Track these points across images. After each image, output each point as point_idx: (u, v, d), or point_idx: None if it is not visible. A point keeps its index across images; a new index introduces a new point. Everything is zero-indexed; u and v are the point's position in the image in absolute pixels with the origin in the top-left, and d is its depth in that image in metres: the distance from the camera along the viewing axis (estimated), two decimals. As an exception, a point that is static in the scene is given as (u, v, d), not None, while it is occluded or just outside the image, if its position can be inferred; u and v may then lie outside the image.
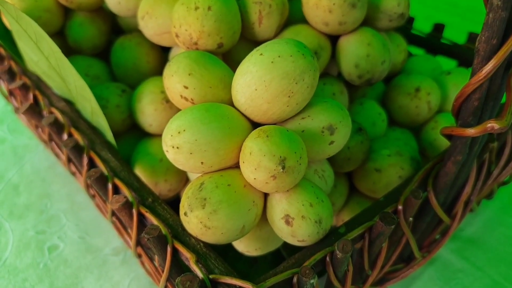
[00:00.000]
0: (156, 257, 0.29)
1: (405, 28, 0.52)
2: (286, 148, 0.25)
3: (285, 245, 0.32)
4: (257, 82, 0.26)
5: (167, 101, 0.36)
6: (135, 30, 0.43)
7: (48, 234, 0.46)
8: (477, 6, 0.82)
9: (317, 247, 0.28)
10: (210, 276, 0.26)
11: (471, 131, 0.27)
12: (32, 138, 0.57)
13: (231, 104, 0.29)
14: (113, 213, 0.35)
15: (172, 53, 0.38)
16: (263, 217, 0.29)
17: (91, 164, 0.34)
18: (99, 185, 0.31)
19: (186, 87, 0.29)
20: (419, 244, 0.37)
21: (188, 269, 0.27)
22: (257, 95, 0.26)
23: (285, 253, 0.37)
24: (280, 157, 0.25)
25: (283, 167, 0.25)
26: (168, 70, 0.30)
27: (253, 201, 0.27)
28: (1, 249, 0.44)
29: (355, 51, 0.34)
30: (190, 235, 0.28)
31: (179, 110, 0.31)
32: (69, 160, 0.39)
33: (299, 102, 0.27)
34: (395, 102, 0.40)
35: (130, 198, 0.30)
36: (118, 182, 0.31)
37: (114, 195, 0.30)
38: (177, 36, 0.32)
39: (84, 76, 0.41)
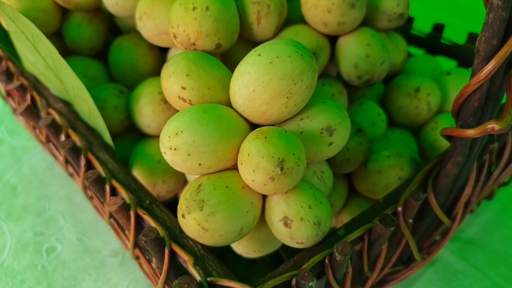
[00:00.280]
0: (154, 259, 0.28)
1: (405, 28, 0.52)
2: (285, 149, 0.25)
3: (284, 246, 0.31)
4: (255, 83, 0.26)
5: (165, 102, 0.36)
6: (133, 30, 0.42)
7: (46, 236, 0.46)
8: (477, 6, 0.81)
9: (316, 249, 0.27)
10: (208, 279, 0.25)
11: (471, 132, 0.26)
12: (30, 139, 0.57)
13: (229, 105, 0.29)
14: (111, 215, 0.35)
15: (170, 54, 0.38)
16: (262, 219, 0.29)
17: (89, 166, 0.34)
18: (96, 186, 0.31)
19: (184, 88, 0.29)
20: (419, 245, 0.37)
21: (186, 272, 0.27)
22: (255, 96, 0.26)
23: (284, 254, 0.37)
24: (279, 158, 0.24)
25: (282, 169, 0.24)
26: (165, 71, 0.29)
27: (252, 203, 0.27)
28: (-2, 251, 0.44)
29: (354, 52, 0.34)
30: (188, 237, 0.28)
31: (177, 111, 0.31)
32: (67, 162, 0.39)
33: (298, 103, 0.26)
34: (394, 102, 0.40)
35: (127, 200, 0.30)
36: (115, 184, 0.31)
37: (111, 197, 0.30)
38: (175, 36, 0.32)
39: (82, 77, 0.41)
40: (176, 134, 0.26)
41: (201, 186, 0.26)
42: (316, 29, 0.34)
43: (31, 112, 0.38)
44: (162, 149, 0.27)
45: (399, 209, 0.30)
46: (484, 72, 0.24)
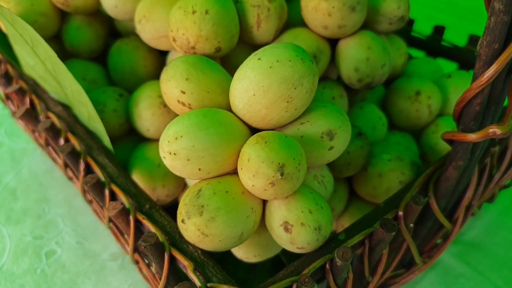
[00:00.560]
0: (153, 264, 0.28)
1: (405, 30, 0.52)
2: (285, 154, 0.24)
3: (284, 251, 0.31)
4: (255, 87, 0.26)
5: (165, 105, 0.36)
6: (132, 33, 0.42)
7: (45, 239, 0.45)
8: (476, 6, 0.81)
9: (317, 254, 0.27)
10: (208, 285, 0.25)
11: (472, 137, 0.26)
12: (29, 142, 0.57)
13: (229, 109, 0.28)
14: (110, 219, 0.34)
15: (170, 57, 0.37)
16: (262, 224, 0.28)
17: (88, 170, 0.34)
18: (96, 191, 0.31)
19: (183, 92, 0.28)
20: (420, 249, 0.36)
21: (186, 277, 0.27)
22: (255, 101, 0.26)
23: (284, 259, 0.37)
24: (279, 163, 0.24)
25: (282, 174, 0.24)
26: (165, 75, 0.29)
27: (252, 208, 0.27)
28: (-2, 254, 0.44)
29: (354, 55, 0.34)
30: (187, 242, 0.28)
31: (176, 115, 0.31)
32: (66, 165, 0.38)
33: (298, 107, 0.26)
34: (395, 105, 0.40)
35: (127, 205, 0.29)
36: (115, 188, 0.31)
37: (111, 202, 0.29)
38: (174, 40, 0.31)
39: (81, 80, 0.41)
40: (176, 138, 0.26)
41: (200, 191, 0.26)
42: (316, 32, 0.34)
43: (30, 116, 0.38)
44: (161, 154, 0.27)
45: (400, 213, 0.29)
46: (485, 76, 0.24)
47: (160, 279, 0.27)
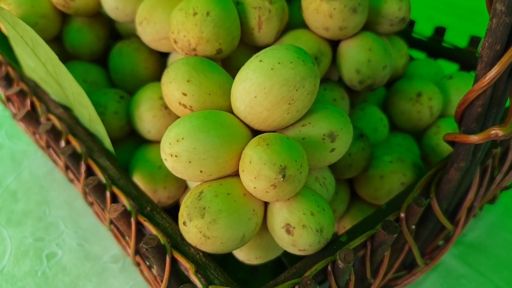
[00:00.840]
0: (155, 266, 0.28)
1: (406, 31, 0.52)
2: (287, 156, 0.24)
3: (286, 252, 0.31)
4: (257, 89, 0.25)
5: (166, 107, 0.36)
6: (133, 35, 0.42)
7: (46, 242, 0.45)
8: (477, 7, 0.82)
9: (319, 256, 0.27)
10: (210, 287, 0.25)
11: (474, 138, 0.26)
12: (30, 144, 0.57)
13: (230, 111, 0.28)
14: (111, 222, 0.34)
15: (171, 59, 0.37)
16: (264, 226, 0.28)
17: (89, 172, 0.34)
18: (97, 193, 0.31)
19: (184, 94, 0.28)
20: (421, 250, 0.36)
21: (187, 279, 0.27)
22: (256, 102, 0.26)
23: (285, 260, 0.37)
24: (281, 165, 0.24)
25: (284, 176, 0.24)
26: (166, 77, 0.29)
27: (253, 210, 0.27)
28: (-1, 257, 0.44)
29: (356, 57, 0.33)
30: (189, 244, 0.28)
31: (178, 117, 0.31)
32: (67, 168, 0.38)
33: (300, 109, 0.26)
34: (396, 107, 0.40)
35: (128, 207, 0.29)
36: (116, 190, 0.31)
37: (112, 204, 0.29)
38: (175, 42, 0.31)
39: (81, 82, 0.41)
40: (177, 141, 0.26)
41: (202, 193, 0.26)
42: (317, 33, 0.34)
43: (31, 118, 0.38)
44: (163, 156, 0.27)
45: (402, 215, 0.29)
46: (487, 78, 0.24)
47: (162, 281, 0.27)
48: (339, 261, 0.25)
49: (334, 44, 0.35)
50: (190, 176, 0.27)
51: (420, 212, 0.29)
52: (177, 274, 0.27)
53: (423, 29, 0.53)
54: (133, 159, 0.38)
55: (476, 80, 0.25)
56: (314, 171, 0.30)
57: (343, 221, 0.38)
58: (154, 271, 0.31)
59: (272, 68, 0.25)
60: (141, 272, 0.37)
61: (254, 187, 0.25)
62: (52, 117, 0.37)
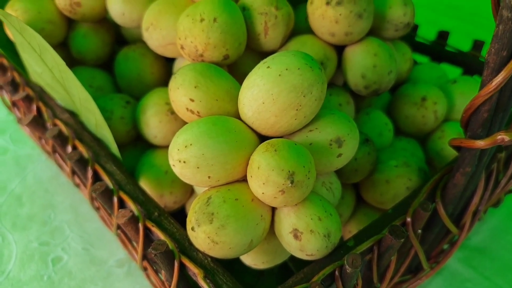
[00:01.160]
0: (162, 271, 0.28)
1: (409, 35, 0.52)
2: (295, 162, 0.24)
3: (292, 257, 0.31)
4: (265, 96, 0.26)
5: (172, 112, 0.36)
6: (138, 40, 0.42)
7: (52, 246, 0.46)
8: (479, 9, 0.82)
9: (326, 261, 0.27)
10: (218, 292, 0.25)
11: (481, 143, 0.26)
12: (34, 148, 0.57)
13: (238, 116, 0.29)
14: (119, 227, 0.35)
15: (177, 64, 0.38)
16: (271, 230, 0.29)
17: (96, 177, 0.34)
18: (104, 198, 0.31)
19: (192, 100, 0.28)
20: (427, 254, 0.37)
21: (195, 284, 0.27)
22: (264, 108, 0.26)
23: (291, 265, 0.37)
24: (289, 171, 0.24)
25: (292, 182, 0.24)
26: (173, 83, 0.29)
27: (261, 215, 0.27)
28: (4, 261, 0.44)
29: (361, 62, 0.34)
30: (197, 249, 0.28)
31: (184, 121, 0.31)
32: (73, 173, 0.39)
33: (307, 115, 0.26)
34: (401, 111, 0.40)
35: (136, 212, 0.30)
36: (123, 196, 0.31)
37: (120, 210, 0.29)
38: (182, 48, 0.31)
39: (87, 87, 0.41)
40: (185, 147, 0.26)
41: (210, 199, 0.26)
42: (323, 39, 0.34)
43: (37, 123, 0.38)
44: (171, 162, 0.27)
45: (408, 219, 0.30)
46: (493, 83, 0.24)
47: (170, 286, 0.27)
48: (347, 266, 0.26)
49: (339, 49, 0.35)
50: (198, 182, 0.27)
51: (426, 216, 0.29)
52: (185, 279, 0.27)
53: (425, 32, 0.54)
54: (140, 164, 0.38)
55: (482, 85, 0.25)
56: (321, 176, 0.30)
57: (349, 225, 0.38)
58: (162, 276, 0.31)
59: (280, 75, 0.25)
60: (148, 276, 0.38)
61: (263, 193, 0.25)
62: (58, 122, 0.37)
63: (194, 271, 0.26)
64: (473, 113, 0.26)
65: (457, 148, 0.29)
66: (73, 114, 0.39)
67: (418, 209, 0.29)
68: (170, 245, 0.27)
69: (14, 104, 0.46)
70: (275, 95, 0.25)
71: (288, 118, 0.26)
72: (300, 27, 0.37)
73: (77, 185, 0.42)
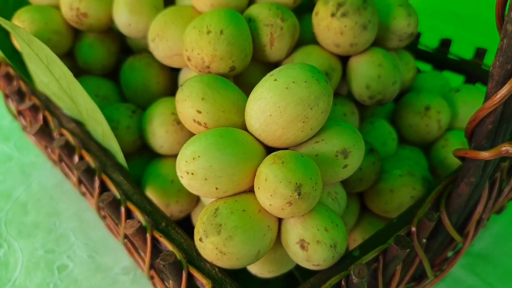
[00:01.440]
0: (170, 280, 0.29)
1: (412, 43, 0.52)
2: (302, 174, 0.25)
3: (298, 265, 0.32)
4: (272, 108, 0.26)
5: (178, 122, 0.36)
6: (144, 50, 0.43)
7: (57, 253, 0.46)
8: (480, 16, 0.82)
9: (332, 271, 0.27)
10: (227, 303, 0.26)
11: (485, 155, 0.27)
12: (39, 156, 0.57)
13: (244, 127, 0.29)
14: (126, 236, 0.35)
15: (182, 74, 0.38)
16: (277, 240, 0.29)
17: (103, 187, 0.34)
18: (111, 209, 0.31)
19: (199, 112, 0.29)
20: (430, 262, 0.37)
21: (203, 295, 0.27)
22: (271, 121, 0.26)
23: (297, 273, 0.37)
24: (296, 183, 0.25)
25: (299, 194, 0.25)
26: (180, 95, 0.30)
27: (268, 226, 0.27)
28: (11, 269, 0.44)
29: (366, 72, 0.34)
30: (205, 260, 0.28)
31: (190, 131, 0.31)
32: (80, 182, 0.39)
33: (314, 127, 0.27)
34: (405, 120, 0.40)
35: (143, 223, 0.30)
36: (131, 206, 0.31)
37: (128, 220, 0.30)
38: (189, 59, 0.32)
39: (93, 97, 0.41)
40: (193, 158, 0.26)
41: (218, 210, 0.27)
42: (328, 50, 0.35)
43: (44, 133, 0.38)
44: (178, 173, 0.27)
45: (413, 229, 0.30)
46: (498, 96, 0.25)
47: (178, 296, 0.27)
48: (354, 276, 0.26)
49: (344, 59, 0.36)
50: (206, 193, 0.27)
51: (431, 226, 0.29)
52: (193, 290, 0.28)
53: (427, 39, 0.54)
54: (146, 174, 0.38)
55: (487, 98, 0.25)
56: (327, 186, 0.31)
57: (353, 234, 0.38)
58: (168, 284, 0.32)
59: (287, 87, 0.26)
60: (154, 285, 0.38)
61: (270, 204, 0.25)
62: (65, 132, 0.38)
63: (202, 281, 0.27)
64: (477, 125, 0.27)
65: (462, 159, 0.29)
66: (79, 124, 0.39)
67: (423, 219, 0.29)
68: (178, 255, 0.28)
69: (20, 112, 0.46)
70: (282, 108, 0.26)
71: (295, 130, 0.26)
72: (305, 37, 0.37)
73: (83, 194, 0.42)
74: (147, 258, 0.30)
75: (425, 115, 0.39)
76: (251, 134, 0.28)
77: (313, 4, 0.37)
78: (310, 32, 0.36)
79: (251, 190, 0.28)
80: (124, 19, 0.38)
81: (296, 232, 0.27)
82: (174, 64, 0.36)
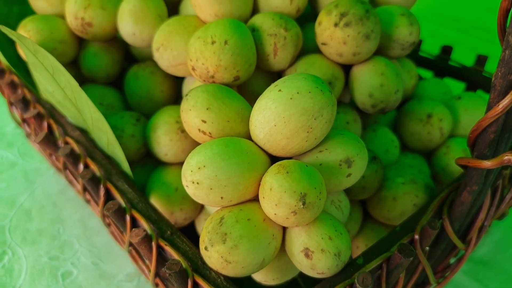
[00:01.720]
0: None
1: (413, 50, 0.53)
2: (307, 184, 0.25)
3: (301, 272, 0.32)
4: (277, 118, 0.26)
5: (182, 131, 0.37)
6: (148, 58, 0.43)
7: (61, 260, 0.46)
8: (480, 21, 0.82)
9: (336, 279, 0.28)
10: (232, 311, 0.26)
11: (487, 164, 0.27)
12: (43, 162, 0.58)
13: (248, 136, 0.29)
14: (131, 244, 0.35)
15: (186, 83, 0.38)
16: (281, 248, 0.29)
17: (108, 195, 0.34)
18: (117, 217, 0.32)
19: (204, 121, 0.29)
20: (433, 269, 0.37)
21: (209, 303, 0.27)
22: (276, 131, 0.27)
23: (300, 280, 0.38)
24: (301, 193, 0.25)
25: (304, 203, 0.25)
26: (185, 104, 0.30)
27: (273, 235, 0.27)
28: (15, 276, 0.45)
29: (369, 81, 0.34)
30: (210, 268, 0.28)
31: (194, 140, 0.31)
32: (85, 189, 0.39)
33: (318, 137, 0.27)
34: (407, 128, 0.40)
35: (149, 231, 0.30)
36: (136, 214, 0.32)
37: (133, 229, 0.30)
38: (193, 69, 0.32)
39: (98, 105, 0.42)
40: (199, 168, 0.26)
41: (223, 219, 0.27)
42: (331, 59, 0.35)
43: (49, 141, 0.38)
44: (184, 183, 0.28)
45: (416, 237, 0.30)
46: (500, 106, 0.25)
47: (183, 305, 0.28)
48: (358, 285, 0.26)
49: (347, 68, 0.36)
50: (211, 202, 0.27)
51: (434, 234, 0.29)
52: (198, 298, 0.28)
53: (428, 45, 0.54)
54: (150, 182, 0.38)
55: (489, 108, 0.26)
56: (330, 195, 0.31)
57: (356, 241, 0.38)
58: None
59: (291, 98, 0.26)
60: (158, 292, 0.38)
61: (275, 214, 0.26)
62: (69, 140, 0.38)
63: (208, 290, 0.27)
64: (480, 134, 0.27)
65: (464, 167, 0.29)
66: (83, 132, 0.39)
67: (426, 227, 0.29)
68: (184, 264, 0.28)
69: (24, 120, 0.46)
70: (287, 118, 0.26)
71: (299, 140, 0.27)
72: (307, 46, 0.37)
73: (87, 201, 0.42)
74: (153, 267, 0.30)
75: (427, 122, 0.39)
76: (256, 144, 0.28)
77: (315, 13, 0.38)
78: (313, 41, 0.36)
79: (255, 199, 0.28)
80: (129, 29, 0.38)
81: (300, 241, 0.27)
82: (178, 73, 0.37)
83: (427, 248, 0.31)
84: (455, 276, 0.43)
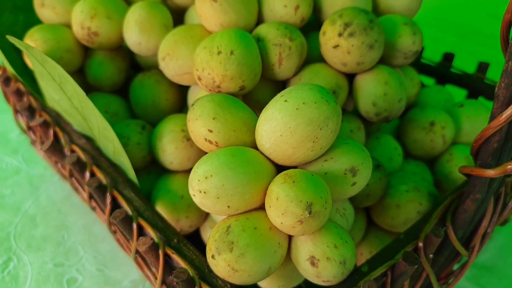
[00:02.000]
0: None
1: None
2: (313, 193, 0.25)
3: (306, 279, 0.32)
4: (283, 128, 0.27)
5: (188, 139, 0.37)
6: (153, 67, 0.43)
7: (66, 267, 0.46)
8: (482, 27, 0.83)
9: (342, 287, 0.28)
10: (239, 319, 0.26)
11: (491, 173, 0.27)
12: (47, 168, 0.58)
13: (254, 146, 0.29)
14: (137, 252, 0.35)
15: (191, 92, 0.39)
16: (287, 256, 0.29)
17: (114, 203, 0.35)
18: (124, 225, 0.32)
19: (210, 131, 0.29)
20: (436, 275, 0.37)
21: (216, 311, 0.28)
22: (282, 141, 0.27)
23: (305, 286, 0.38)
24: (307, 202, 0.25)
25: (310, 212, 0.25)
26: (192, 114, 0.30)
27: (279, 243, 0.28)
28: (20, 283, 0.45)
29: (372, 90, 0.35)
30: (216, 276, 0.29)
31: (199, 148, 0.32)
32: (91, 197, 0.39)
33: (323, 146, 0.27)
34: (410, 136, 0.41)
35: (156, 239, 0.30)
36: (142, 222, 0.32)
37: (140, 237, 0.30)
38: (199, 79, 0.32)
39: (103, 113, 0.42)
40: (206, 178, 0.27)
41: (230, 227, 0.27)
42: (335, 68, 0.35)
43: (55, 149, 0.39)
44: (191, 192, 0.28)
45: (420, 245, 0.30)
46: (503, 116, 0.25)
47: (191, 312, 0.28)
48: (363, 293, 0.26)
49: (350, 77, 0.36)
50: (218, 211, 0.28)
51: (438, 242, 0.30)
52: (205, 306, 0.28)
53: (430, 51, 0.55)
54: (155, 189, 0.39)
55: (493, 117, 0.26)
56: (335, 203, 0.31)
57: (361, 248, 0.39)
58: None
59: (297, 108, 0.26)
60: (164, 299, 0.38)
61: (281, 223, 0.26)
62: (76, 148, 0.38)
63: (215, 298, 0.27)
64: (483, 143, 0.27)
65: (468, 175, 0.30)
66: (89, 140, 0.40)
67: (429, 235, 0.30)
68: (191, 272, 0.28)
69: (30, 128, 0.47)
70: (293, 128, 0.26)
71: (305, 149, 0.27)
72: (312, 55, 0.38)
73: (93, 208, 0.42)
74: (160, 275, 0.31)
75: (430, 130, 0.39)
76: (262, 153, 0.29)
77: (319, 22, 0.38)
78: (317, 50, 0.36)
79: (261, 208, 0.28)
80: (135, 38, 0.39)
81: (306, 249, 0.27)
82: (184, 82, 0.37)
83: (431, 255, 0.31)
84: (458, 282, 0.44)
